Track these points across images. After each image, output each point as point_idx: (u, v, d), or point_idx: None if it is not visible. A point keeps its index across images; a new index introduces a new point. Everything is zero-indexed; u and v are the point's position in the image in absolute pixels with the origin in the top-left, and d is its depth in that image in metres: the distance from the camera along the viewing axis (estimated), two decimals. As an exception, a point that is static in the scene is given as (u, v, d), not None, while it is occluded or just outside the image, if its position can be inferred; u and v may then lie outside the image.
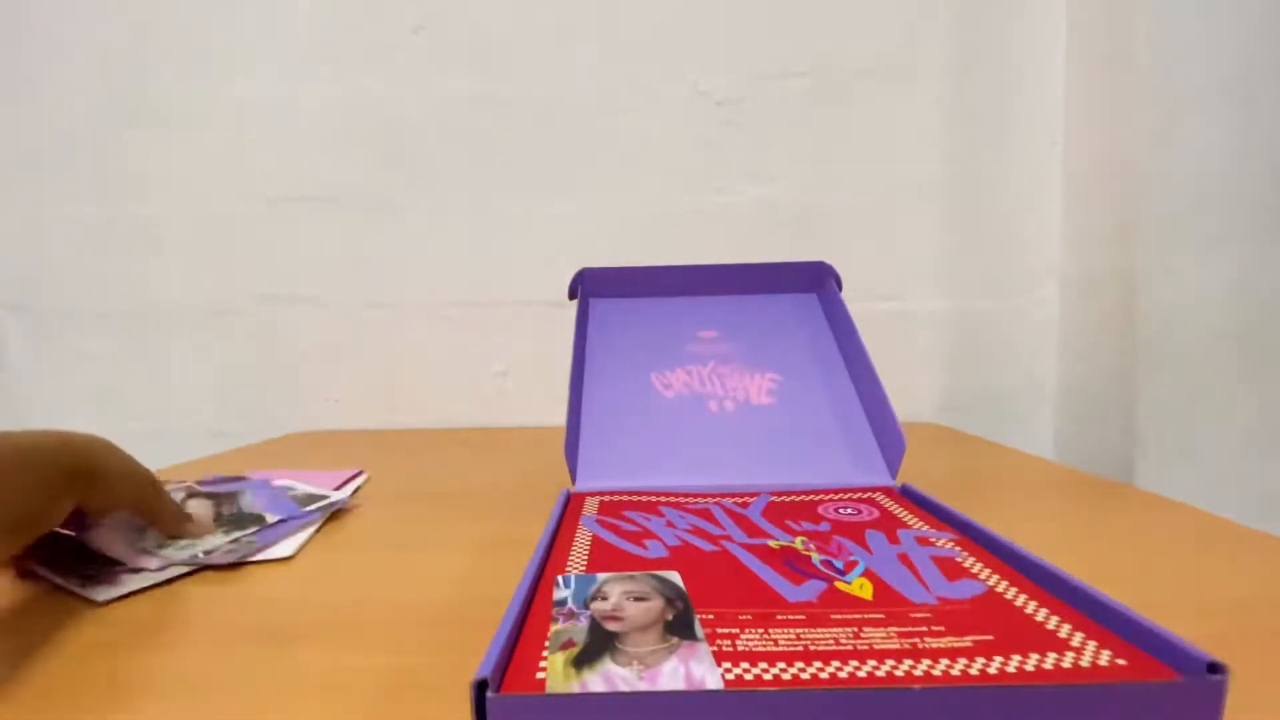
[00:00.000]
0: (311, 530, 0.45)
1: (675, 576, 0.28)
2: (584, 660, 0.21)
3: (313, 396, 0.87)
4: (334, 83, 0.83)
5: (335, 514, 0.49)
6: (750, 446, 0.46)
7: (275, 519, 0.46)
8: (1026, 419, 0.80)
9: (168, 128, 0.84)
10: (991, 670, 0.21)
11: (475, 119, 0.83)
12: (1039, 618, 0.24)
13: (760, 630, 0.23)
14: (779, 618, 0.24)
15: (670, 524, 0.36)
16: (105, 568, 0.38)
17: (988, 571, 0.28)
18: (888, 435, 0.45)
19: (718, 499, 0.40)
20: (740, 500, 0.40)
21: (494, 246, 0.85)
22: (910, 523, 0.35)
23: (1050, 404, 0.81)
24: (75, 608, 0.34)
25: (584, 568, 0.29)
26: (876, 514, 0.37)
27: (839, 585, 0.27)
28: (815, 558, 0.30)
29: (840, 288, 0.54)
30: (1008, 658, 0.21)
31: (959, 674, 0.20)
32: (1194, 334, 0.67)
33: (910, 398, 0.83)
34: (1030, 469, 0.60)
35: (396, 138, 0.84)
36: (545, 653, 0.22)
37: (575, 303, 0.55)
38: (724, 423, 0.48)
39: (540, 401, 0.84)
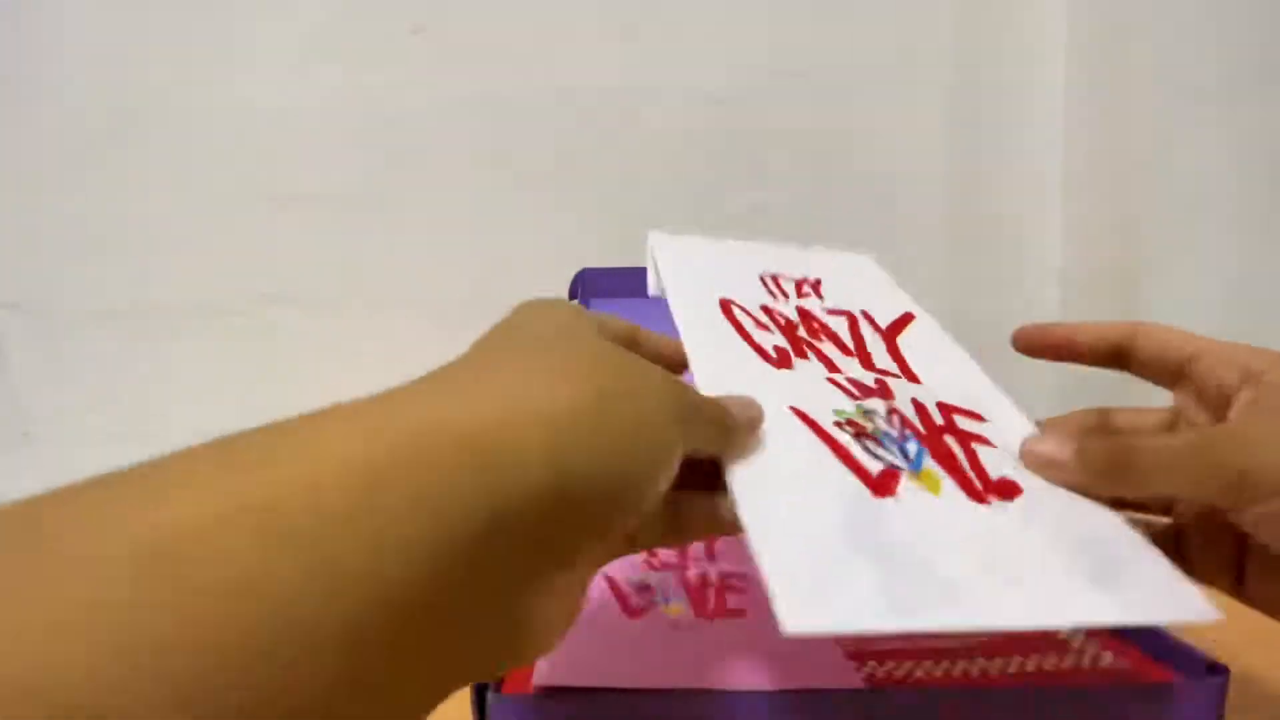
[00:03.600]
0: None
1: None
2: (584, 660, 0.21)
3: (313, 397, 0.87)
4: (334, 82, 0.83)
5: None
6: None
7: None
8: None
9: (167, 127, 0.84)
10: (993, 670, 0.21)
11: (475, 119, 0.83)
12: (1039, 618, 0.24)
13: (760, 630, 0.23)
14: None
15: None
16: None
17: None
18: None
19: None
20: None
21: (494, 246, 0.84)
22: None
23: (1051, 404, 0.81)
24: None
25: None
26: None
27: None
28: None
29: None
30: (1008, 658, 0.21)
31: (959, 674, 0.20)
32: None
33: (910, 398, 0.82)
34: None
35: (397, 138, 0.83)
36: (545, 653, 0.22)
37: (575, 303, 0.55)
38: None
39: (540, 401, 0.84)
